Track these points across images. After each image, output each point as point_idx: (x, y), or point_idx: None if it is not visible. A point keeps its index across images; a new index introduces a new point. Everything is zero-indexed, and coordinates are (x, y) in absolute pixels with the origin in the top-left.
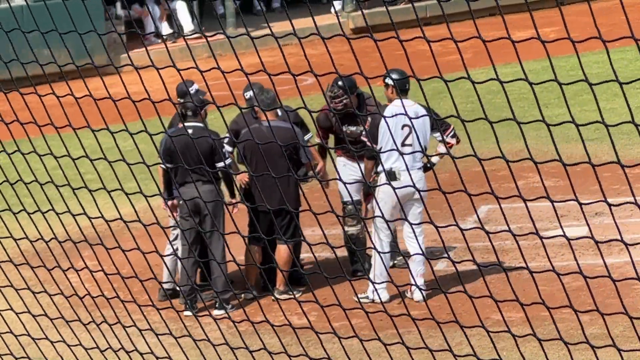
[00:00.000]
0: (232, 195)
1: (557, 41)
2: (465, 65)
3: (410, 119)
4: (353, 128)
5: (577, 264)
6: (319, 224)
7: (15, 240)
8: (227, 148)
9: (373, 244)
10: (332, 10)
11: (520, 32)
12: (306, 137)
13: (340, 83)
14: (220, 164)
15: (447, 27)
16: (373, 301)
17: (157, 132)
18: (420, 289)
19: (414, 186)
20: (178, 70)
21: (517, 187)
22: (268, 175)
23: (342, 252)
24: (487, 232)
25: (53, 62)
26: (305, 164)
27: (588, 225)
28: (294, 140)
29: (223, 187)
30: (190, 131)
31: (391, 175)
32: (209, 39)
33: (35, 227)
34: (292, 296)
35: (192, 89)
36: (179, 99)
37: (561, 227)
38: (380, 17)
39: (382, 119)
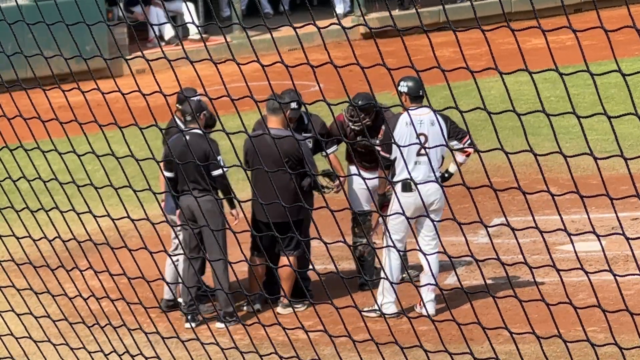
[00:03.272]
0: (231, 206)
1: (584, 42)
2: (494, 58)
3: (438, 116)
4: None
5: (608, 265)
6: (341, 232)
7: (18, 239)
8: None
9: (383, 258)
10: (335, 13)
11: (536, 39)
12: (330, 150)
13: (360, 102)
14: (217, 172)
15: (475, 25)
16: (380, 315)
17: (160, 135)
18: (440, 299)
19: (438, 182)
20: (192, 71)
21: (547, 185)
22: (269, 185)
23: (350, 265)
24: (513, 229)
25: (62, 62)
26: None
27: (621, 226)
28: (296, 149)
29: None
30: (187, 137)
31: (406, 186)
32: (217, 38)
33: (29, 235)
34: (300, 306)
35: (195, 98)
36: (177, 105)
37: (596, 234)
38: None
39: (397, 128)
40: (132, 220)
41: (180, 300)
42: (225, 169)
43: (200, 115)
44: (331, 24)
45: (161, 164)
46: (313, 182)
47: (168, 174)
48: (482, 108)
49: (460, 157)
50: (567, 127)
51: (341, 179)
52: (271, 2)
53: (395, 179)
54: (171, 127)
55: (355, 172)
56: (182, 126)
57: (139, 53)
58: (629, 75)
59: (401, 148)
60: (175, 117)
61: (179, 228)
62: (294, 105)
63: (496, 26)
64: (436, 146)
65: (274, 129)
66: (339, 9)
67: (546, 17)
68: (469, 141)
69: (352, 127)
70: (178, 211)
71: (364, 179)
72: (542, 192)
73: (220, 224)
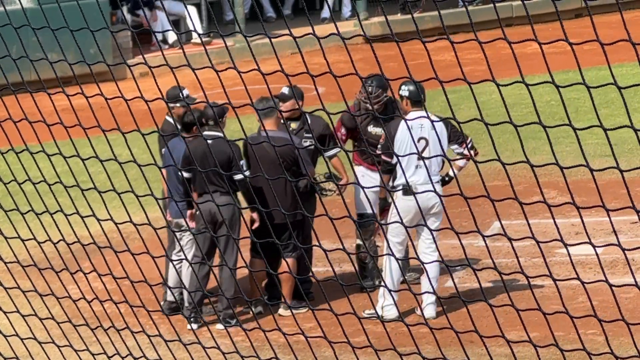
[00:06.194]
0: (253, 209)
1: (584, 47)
2: (491, 71)
3: (444, 121)
4: (379, 129)
5: (603, 271)
6: (340, 239)
7: (23, 241)
8: None
9: (383, 261)
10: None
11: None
12: (332, 152)
13: (377, 81)
14: (239, 176)
15: (469, 30)
16: (381, 318)
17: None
18: (438, 302)
19: (434, 191)
20: (199, 72)
21: (543, 196)
22: (267, 187)
23: (352, 267)
24: (510, 239)
25: (66, 66)
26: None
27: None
28: (292, 150)
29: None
30: (210, 141)
31: (407, 190)
32: (221, 41)
33: (34, 237)
34: (302, 309)
35: (183, 94)
36: (169, 104)
37: (592, 245)
38: (394, 25)
39: (398, 132)
40: (134, 224)
41: (185, 298)
42: (247, 173)
43: (223, 119)
44: (330, 34)
45: (163, 170)
46: (310, 183)
47: (187, 175)
48: (480, 119)
49: (460, 161)
50: (568, 131)
51: (342, 182)
52: (274, 6)
53: (396, 183)
54: (165, 127)
55: (362, 174)
56: (177, 126)
57: (147, 55)
58: (624, 88)
59: (401, 152)
60: (168, 117)
61: (179, 233)
62: (285, 90)
63: (493, 38)
64: (437, 156)
65: (270, 130)
66: (343, 12)
67: (548, 22)
68: (470, 145)
69: (368, 106)
70: (190, 212)
71: (369, 185)
72: (545, 195)
73: (237, 227)
